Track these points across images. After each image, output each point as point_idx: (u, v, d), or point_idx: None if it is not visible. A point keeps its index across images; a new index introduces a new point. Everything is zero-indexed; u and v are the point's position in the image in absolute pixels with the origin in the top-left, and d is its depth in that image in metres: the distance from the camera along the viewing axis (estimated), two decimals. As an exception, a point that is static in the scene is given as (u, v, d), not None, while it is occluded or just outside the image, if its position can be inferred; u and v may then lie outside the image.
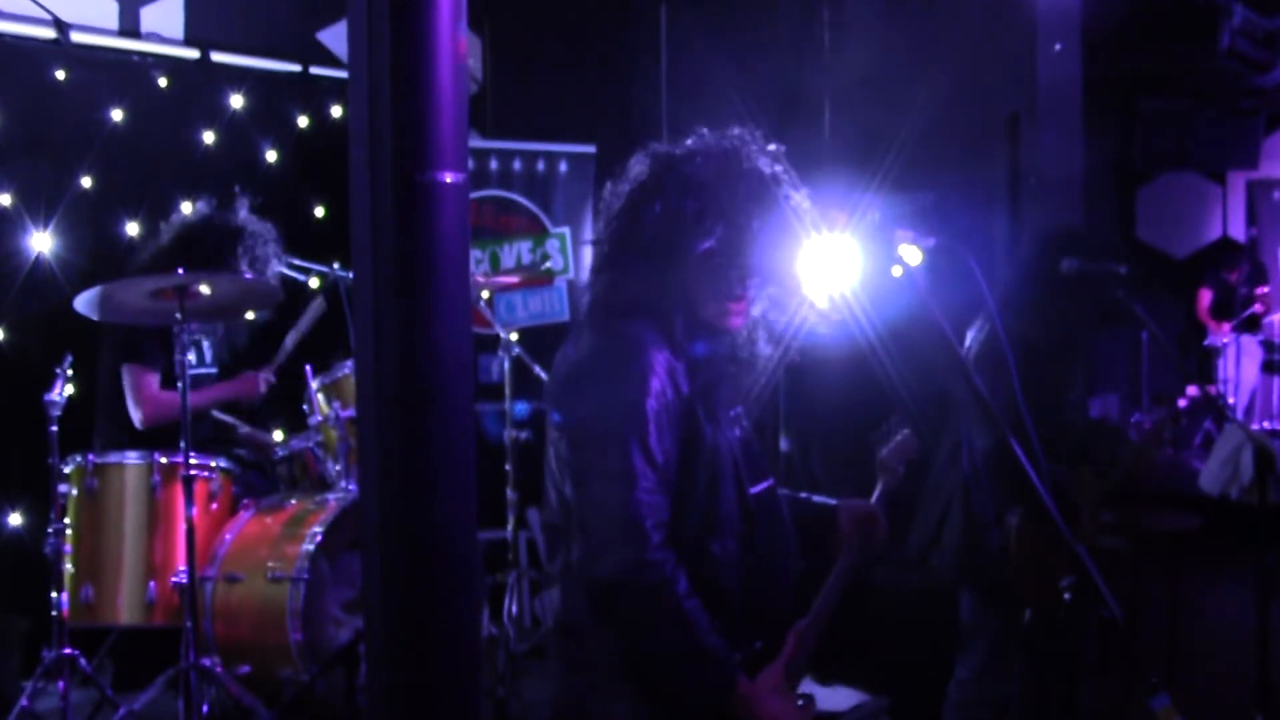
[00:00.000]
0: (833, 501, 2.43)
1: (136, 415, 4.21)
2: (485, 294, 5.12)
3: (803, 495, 2.45)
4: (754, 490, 2.19)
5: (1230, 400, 8.51)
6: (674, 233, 2.11)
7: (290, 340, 4.60)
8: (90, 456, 3.98)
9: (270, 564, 3.93)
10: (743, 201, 2.12)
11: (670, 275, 2.11)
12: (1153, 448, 3.48)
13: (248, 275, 4.28)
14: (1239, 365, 8.71)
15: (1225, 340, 8.64)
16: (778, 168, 2.18)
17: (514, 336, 5.01)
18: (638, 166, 2.21)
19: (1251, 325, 8.78)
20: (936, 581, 3.50)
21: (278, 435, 4.64)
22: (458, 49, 2.24)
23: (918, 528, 3.47)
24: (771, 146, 2.20)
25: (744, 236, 2.11)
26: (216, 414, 4.55)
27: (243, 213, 4.39)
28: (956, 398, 3.35)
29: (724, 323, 2.18)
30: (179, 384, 3.75)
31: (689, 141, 2.21)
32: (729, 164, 2.15)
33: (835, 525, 2.39)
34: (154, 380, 4.23)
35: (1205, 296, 8.91)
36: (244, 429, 4.61)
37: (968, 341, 3.45)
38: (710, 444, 2.11)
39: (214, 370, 4.52)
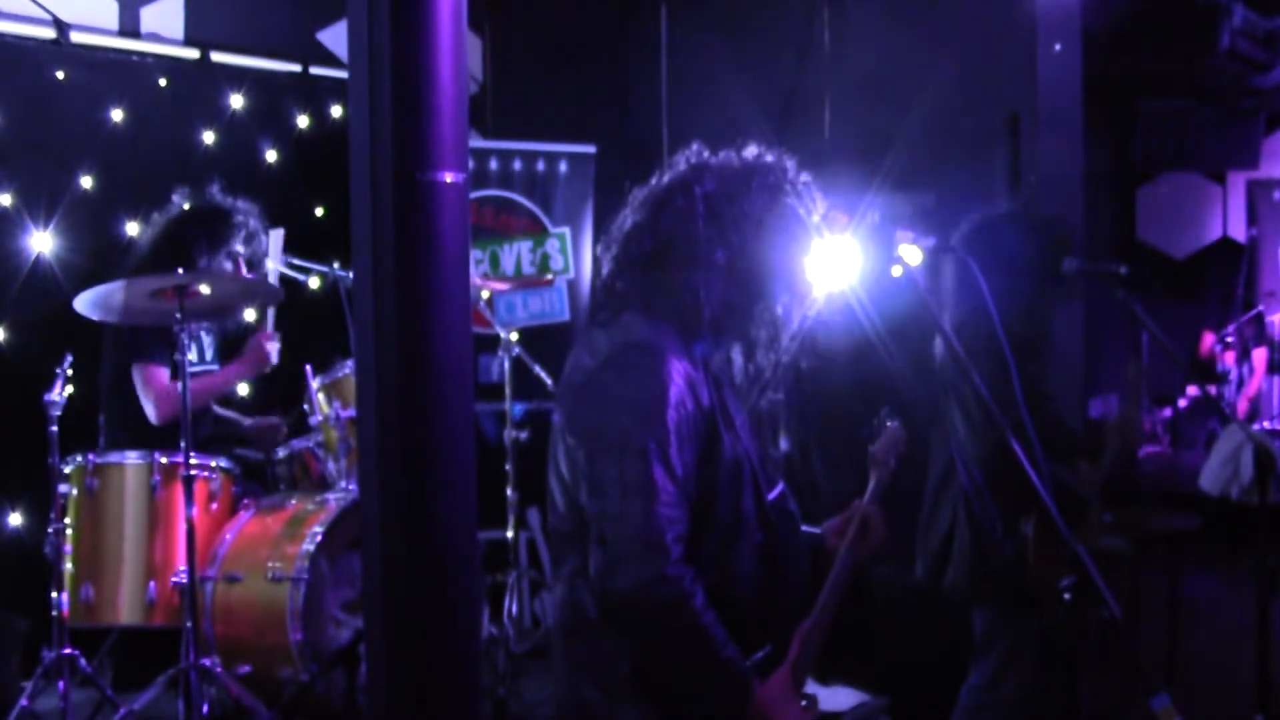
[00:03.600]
0: (816, 530, 2.43)
1: (152, 412, 4.18)
2: (485, 294, 5.12)
3: None
4: (770, 498, 2.20)
5: (1231, 400, 8.50)
6: (691, 240, 2.12)
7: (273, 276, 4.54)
8: (90, 456, 3.98)
9: (270, 564, 3.93)
10: (760, 217, 2.14)
11: (687, 281, 2.12)
12: (1133, 404, 3.43)
13: (248, 275, 4.29)
14: (1240, 367, 8.71)
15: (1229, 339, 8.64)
16: (804, 191, 2.19)
17: (514, 336, 5.01)
18: (669, 171, 2.23)
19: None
20: (950, 603, 3.43)
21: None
22: (458, 49, 2.24)
23: (921, 553, 3.42)
24: (804, 177, 2.22)
25: (760, 251, 2.13)
26: (218, 410, 4.55)
27: (218, 196, 4.39)
28: (942, 412, 3.30)
29: (741, 331, 2.19)
30: (180, 383, 3.75)
31: (719, 153, 2.23)
32: (751, 179, 2.16)
33: (824, 550, 2.39)
34: (164, 374, 4.22)
35: (1208, 339, 8.89)
36: (248, 422, 4.61)
37: (937, 348, 3.43)
38: (730, 455, 2.10)
39: (215, 367, 4.52)
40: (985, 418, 3.10)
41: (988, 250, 3.14)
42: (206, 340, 4.50)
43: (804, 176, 2.22)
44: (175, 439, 3.79)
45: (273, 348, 4.40)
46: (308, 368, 4.47)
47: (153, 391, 4.19)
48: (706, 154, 2.23)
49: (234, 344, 4.59)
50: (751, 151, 2.22)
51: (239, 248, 4.31)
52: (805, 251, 2.16)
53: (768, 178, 2.17)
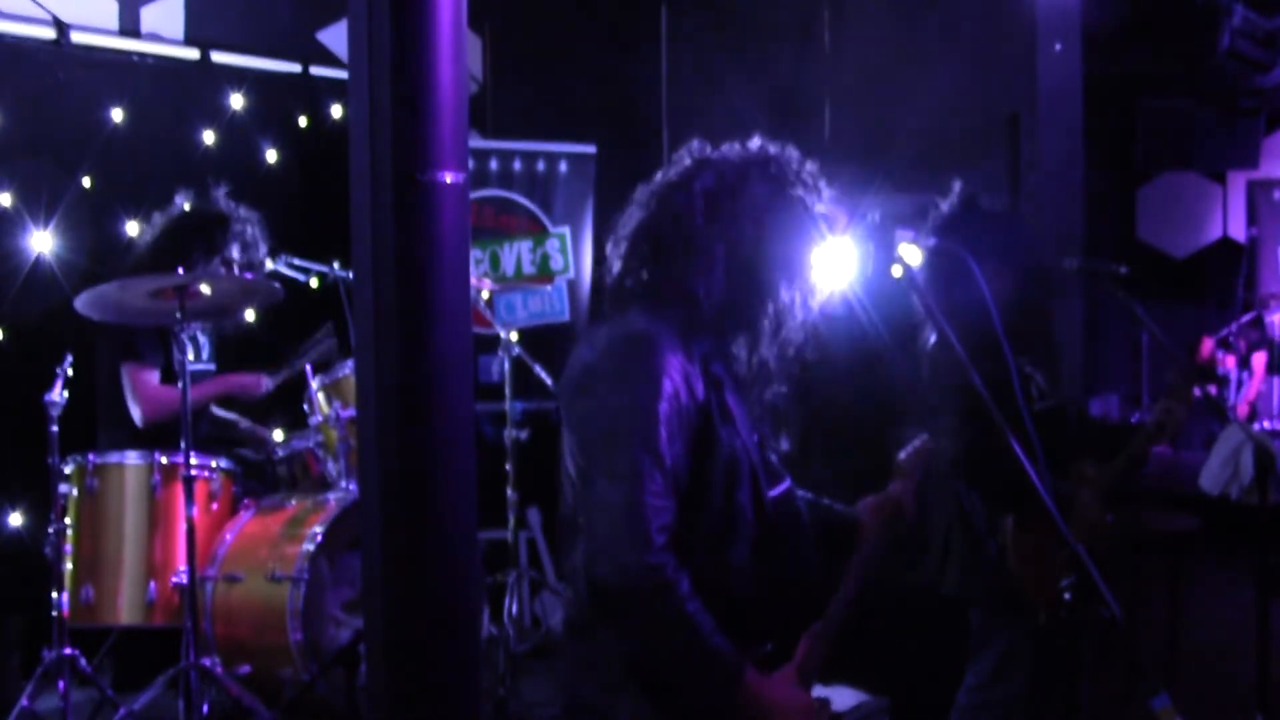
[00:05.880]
0: (855, 509, 2.43)
1: (136, 413, 4.21)
2: (485, 294, 5.12)
3: (825, 501, 2.45)
4: (772, 494, 2.19)
5: (1231, 401, 8.50)
6: (693, 235, 2.13)
7: (298, 363, 4.57)
8: (90, 456, 3.98)
9: (270, 564, 3.93)
10: (762, 210, 2.14)
11: (690, 277, 2.12)
12: (1182, 399, 3.35)
13: (248, 275, 4.29)
14: (1241, 371, 8.71)
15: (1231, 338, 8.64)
16: (808, 181, 2.20)
17: (514, 336, 5.01)
18: (674, 165, 2.23)
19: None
20: (951, 603, 3.42)
21: (278, 435, 4.64)
22: (458, 49, 2.25)
23: (930, 552, 3.43)
24: (809, 165, 2.22)
25: (763, 244, 2.13)
26: (216, 411, 4.55)
27: (222, 200, 4.40)
28: (928, 409, 3.28)
29: (747, 325, 2.19)
30: (179, 382, 3.75)
31: (721, 147, 2.23)
32: (751, 172, 2.17)
33: (859, 528, 2.39)
34: (153, 377, 4.24)
35: (1207, 344, 8.88)
36: (244, 424, 4.61)
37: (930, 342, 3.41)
38: (726, 449, 2.10)
39: (213, 366, 4.53)
40: (964, 415, 3.10)
41: (978, 241, 3.09)
42: (203, 340, 4.50)
43: (809, 166, 2.22)
44: (175, 438, 3.80)
45: (266, 386, 4.47)
46: (308, 367, 4.47)
47: (140, 394, 4.20)
48: (708, 148, 2.23)
49: (231, 344, 4.59)
50: (754, 144, 2.22)
51: (235, 254, 4.31)
52: (810, 243, 2.16)
53: (768, 169, 2.17)
